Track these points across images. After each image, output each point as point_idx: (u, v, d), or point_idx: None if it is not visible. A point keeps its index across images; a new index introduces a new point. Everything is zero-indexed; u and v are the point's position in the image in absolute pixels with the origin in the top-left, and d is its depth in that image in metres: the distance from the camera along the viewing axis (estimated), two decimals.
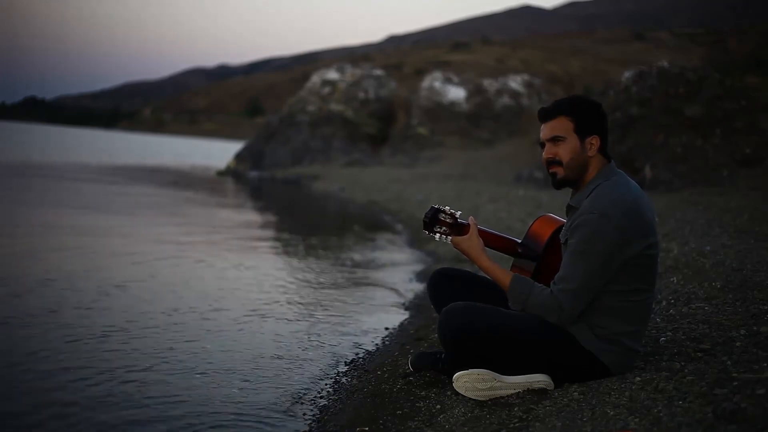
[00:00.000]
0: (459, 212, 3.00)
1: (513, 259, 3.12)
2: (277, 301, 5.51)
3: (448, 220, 2.94)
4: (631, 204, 2.75)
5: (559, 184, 2.89)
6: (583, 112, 2.84)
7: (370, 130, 29.66)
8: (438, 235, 2.95)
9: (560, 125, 2.84)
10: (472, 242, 2.95)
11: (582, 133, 2.83)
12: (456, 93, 30.61)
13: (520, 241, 3.10)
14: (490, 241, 3.04)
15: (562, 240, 2.86)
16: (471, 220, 3.01)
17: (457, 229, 2.96)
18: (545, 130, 2.88)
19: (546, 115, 2.88)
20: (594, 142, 2.84)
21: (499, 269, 2.92)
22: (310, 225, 12.37)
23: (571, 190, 2.94)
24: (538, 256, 3.01)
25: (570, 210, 2.89)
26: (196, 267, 6.72)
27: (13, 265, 6.25)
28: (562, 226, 3.01)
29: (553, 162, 2.87)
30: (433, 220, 2.93)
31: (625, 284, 2.76)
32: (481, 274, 3.43)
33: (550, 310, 2.77)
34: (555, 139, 2.85)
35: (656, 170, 11.71)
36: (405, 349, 3.95)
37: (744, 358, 2.70)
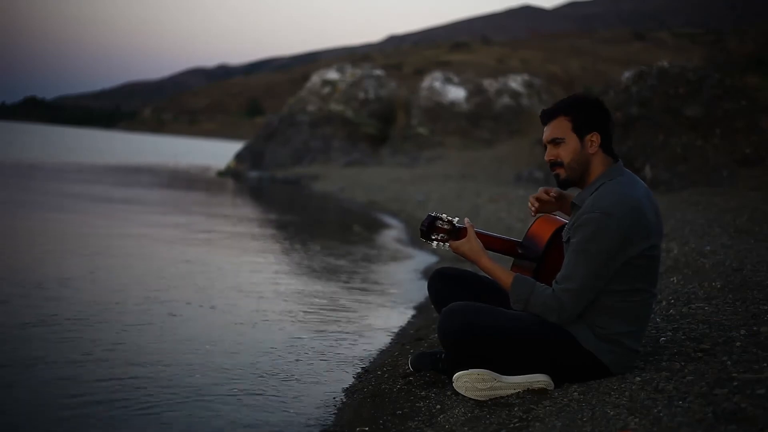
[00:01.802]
0: (456, 218, 3.00)
1: (513, 259, 3.13)
2: (276, 301, 5.51)
3: (445, 227, 2.96)
4: (634, 204, 2.74)
5: (562, 184, 2.91)
6: (580, 110, 2.85)
7: (370, 130, 29.65)
8: (436, 242, 2.97)
9: (559, 126, 2.85)
10: (471, 244, 2.96)
11: (580, 131, 2.83)
12: (456, 93, 30.58)
13: (519, 241, 3.10)
14: (489, 243, 3.05)
15: (564, 238, 2.86)
16: (467, 222, 3.01)
17: (455, 233, 2.97)
18: (546, 132, 2.90)
19: (546, 118, 2.90)
20: (594, 138, 2.83)
21: (500, 269, 2.92)
22: (310, 225, 12.36)
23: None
24: (539, 257, 3.02)
25: (574, 208, 2.89)
26: (195, 267, 6.71)
27: None
28: (563, 226, 3.01)
29: (555, 164, 2.88)
30: (430, 227, 2.95)
31: (626, 284, 2.76)
32: (482, 273, 3.44)
33: (551, 310, 2.77)
34: (555, 141, 2.86)
35: (656, 170, 11.71)
36: (405, 349, 3.95)
37: (744, 358, 2.70)
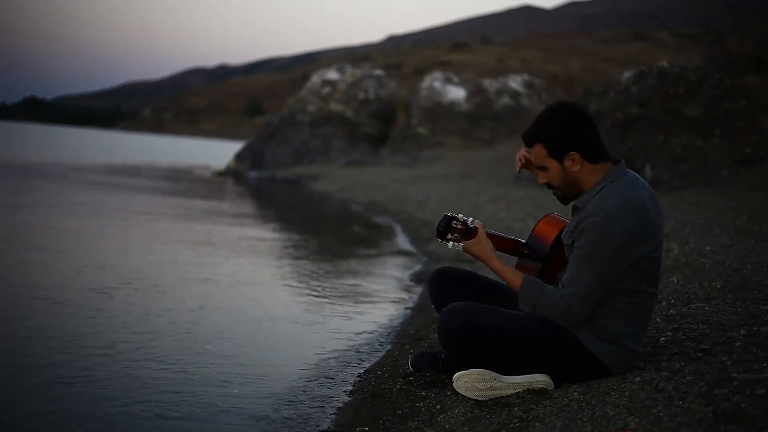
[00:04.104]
0: (471, 218, 3.02)
1: (517, 258, 3.14)
2: (275, 301, 5.51)
3: (459, 227, 2.98)
4: (637, 203, 2.74)
5: (563, 202, 2.93)
6: (551, 136, 2.80)
7: (370, 130, 29.64)
8: (451, 243, 2.99)
9: (538, 154, 2.85)
10: (482, 245, 2.97)
11: (557, 155, 2.82)
12: (456, 93, 30.57)
13: (525, 242, 3.12)
14: (497, 243, 3.07)
15: (567, 242, 2.85)
16: (478, 223, 3.02)
17: (468, 234, 2.99)
18: (532, 157, 2.90)
19: (526, 143, 2.90)
20: (574, 158, 2.80)
21: (509, 270, 2.93)
22: (310, 225, 12.36)
23: None
24: (544, 257, 3.03)
25: (575, 211, 2.89)
26: (195, 267, 6.71)
27: None
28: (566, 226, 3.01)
29: (549, 186, 2.90)
30: (446, 228, 2.97)
31: (628, 285, 2.76)
32: (482, 273, 3.44)
33: (559, 313, 2.77)
34: (540, 168, 2.87)
35: (656, 170, 11.71)
36: (405, 349, 3.95)
37: (744, 358, 2.70)
